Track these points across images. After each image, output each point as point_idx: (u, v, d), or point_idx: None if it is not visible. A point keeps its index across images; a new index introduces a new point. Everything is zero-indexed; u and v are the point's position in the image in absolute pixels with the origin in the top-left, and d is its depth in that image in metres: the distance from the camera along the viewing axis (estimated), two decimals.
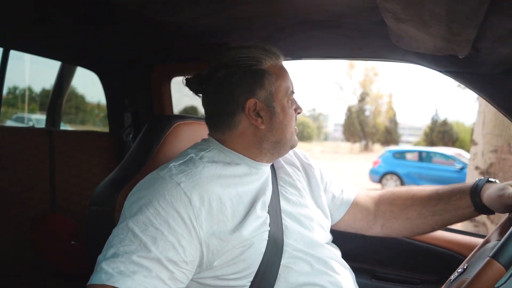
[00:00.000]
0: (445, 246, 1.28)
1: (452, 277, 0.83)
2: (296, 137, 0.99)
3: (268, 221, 0.87)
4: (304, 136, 34.64)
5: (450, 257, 1.26)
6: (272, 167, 1.03)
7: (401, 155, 11.65)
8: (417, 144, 27.44)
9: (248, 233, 0.82)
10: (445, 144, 25.17)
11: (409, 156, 11.61)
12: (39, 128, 2.02)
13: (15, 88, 13.78)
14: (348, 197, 1.14)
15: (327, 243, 0.99)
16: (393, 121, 32.09)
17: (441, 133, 27.18)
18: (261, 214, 0.87)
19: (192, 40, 1.55)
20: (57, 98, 2.32)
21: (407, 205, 1.09)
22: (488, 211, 0.98)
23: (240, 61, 0.91)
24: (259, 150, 0.94)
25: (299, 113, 0.99)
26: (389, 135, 31.20)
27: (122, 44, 1.74)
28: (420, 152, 11.75)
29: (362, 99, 32.09)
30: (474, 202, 0.99)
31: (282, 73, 0.95)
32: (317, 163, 1.15)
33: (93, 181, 1.98)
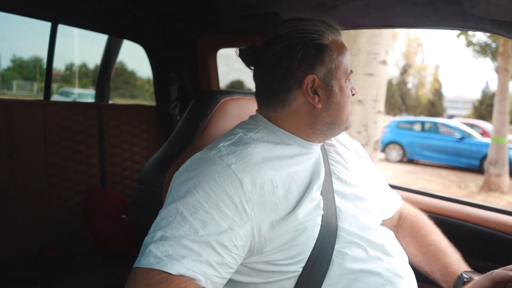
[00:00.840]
0: None
1: None
2: (351, 119, 0.93)
3: (321, 204, 0.83)
4: None
5: None
6: (322, 145, 0.98)
7: (405, 125, 11.74)
8: (466, 117, 26.14)
9: (303, 216, 0.78)
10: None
11: (412, 126, 11.63)
12: (87, 103, 2.05)
13: (71, 65, 14.57)
14: (394, 207, 1.14)
15: (380, 225, 0.95)
16: (438, 93, 30.55)
17: (489, 106, 25.52)
18: (316, 196, 0.83)
19: (238, 10, 1.48)
20: (105, 72, 2.35)
21: (411, 253, 1.05)
22: None
23: (302, 33, 0.84)
24: (312, 130, 0.89)
25: (353, 94, 0.92)
26: (433, 108, 29.82)
27: (167, 16, 1.71)
28: (423, 122, 11.66)
29: (404, 71, 30.70)
30: None
31: (343, 50, 0.88)
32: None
33: (143, 155, 2.01)
